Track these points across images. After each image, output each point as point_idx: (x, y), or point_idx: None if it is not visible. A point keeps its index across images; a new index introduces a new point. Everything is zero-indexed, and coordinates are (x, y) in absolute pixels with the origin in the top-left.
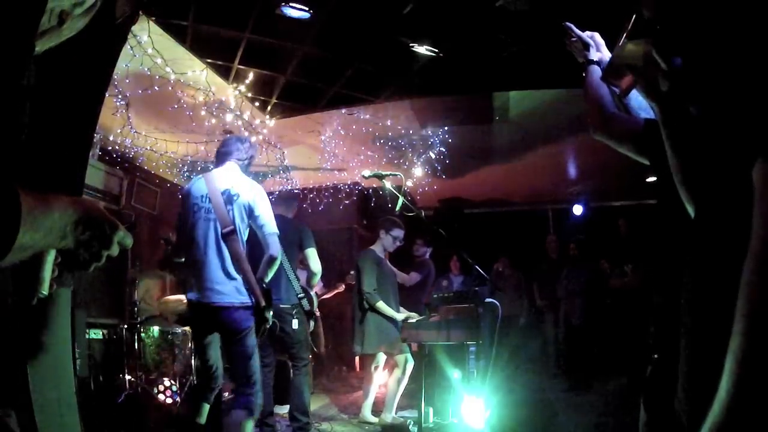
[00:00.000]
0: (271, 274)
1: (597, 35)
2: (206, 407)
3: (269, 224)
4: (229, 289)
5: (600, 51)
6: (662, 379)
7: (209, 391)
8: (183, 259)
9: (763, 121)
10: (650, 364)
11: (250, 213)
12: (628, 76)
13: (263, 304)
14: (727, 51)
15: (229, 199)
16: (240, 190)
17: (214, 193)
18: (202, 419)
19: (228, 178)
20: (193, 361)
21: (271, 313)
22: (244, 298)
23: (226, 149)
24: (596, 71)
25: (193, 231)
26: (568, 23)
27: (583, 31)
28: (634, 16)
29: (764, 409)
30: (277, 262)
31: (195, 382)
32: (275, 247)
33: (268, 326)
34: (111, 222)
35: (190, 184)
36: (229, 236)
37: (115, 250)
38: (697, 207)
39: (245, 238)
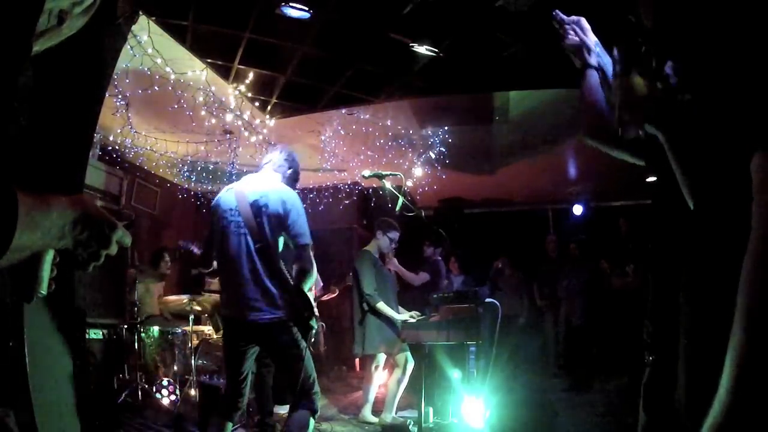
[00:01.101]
0: (307, 285)
1: (583, 20)
2: (230, 427)
3: (302, 234)
4: (267, 305)
5: (586, 35)
6: (661, 379)
7: (235, 409)
8: (209, 270)
9: (759, 115)
10: (648, 365)
11: (281, 222)
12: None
13: (305, 314)
14: (724, 49)
15: (258, 210)
16: (269, 200)
17: (243, 206)
18: None
19: (258, 187)
20: (192, 360)
21: (315, 321)
22: (282, 312)
23: (266, 157)
24: (594, 76)
25: (224, 246)
26: (556, 11)
27: (569, 16)
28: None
29: (764, 408)
30: (312, 274)
31: (195, 383)
32: (307, 259)
33: (314, 332)
34: (109, 221)
35: (219, 195)
36: (262, 251)
37: (113, 250)
38: (697, 205)
39: (281, 248)
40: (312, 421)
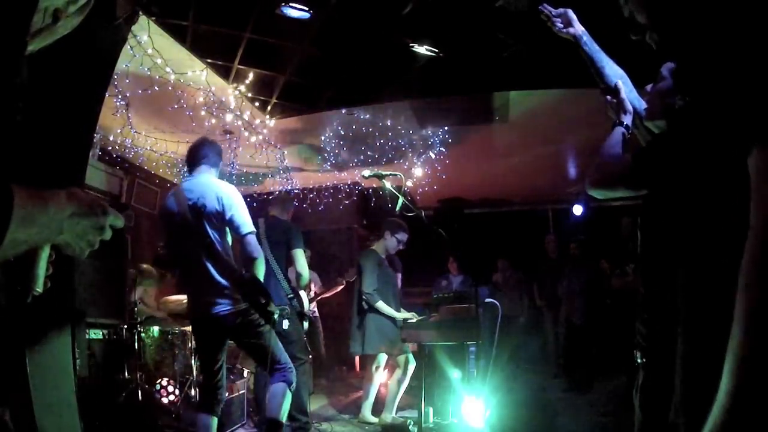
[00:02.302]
0: (260, 273)
1: (569, 11)
2: (215, 421)
3: (243, 225)
4: (222, 298)
5: (573, 26)
6: (656, 380)
7: (217, 403)
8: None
9: (755, 110)
10: (641, 366)
11: (221, 218)
12: None
13: (262, 301)
14: (720, 45)
15: (197, 212)
16: (206, 200)
17: (183, 210)
18: None
19: (196, 188)
20: (192, 361)
21: (274, 306)
22: (240, 303)
23: (196, 155)
24: (620, 133)
25: (175, 251)
26: (543, 4)
27: (556, 8)
28: None
29: (766, 410)
30: (260, 262)
31: (195, 383)
32: (252, 248)
33: (276, 317)
34: (102, 207)
35: (164, 201)
36: (208, 249)
37: (108, 235)
38: (695, 204)
39: (227, 241)
40: (288, 392)
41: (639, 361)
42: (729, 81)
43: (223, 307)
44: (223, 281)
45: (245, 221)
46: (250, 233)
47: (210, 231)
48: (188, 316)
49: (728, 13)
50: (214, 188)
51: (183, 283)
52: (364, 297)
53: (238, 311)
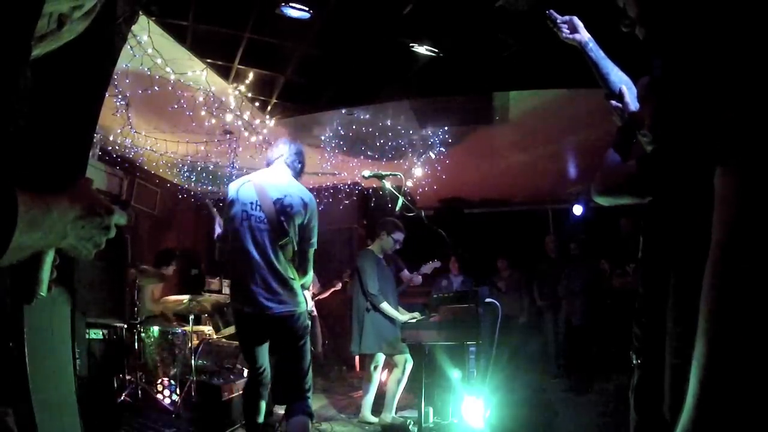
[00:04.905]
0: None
1: (575, 18)
2: (263, 403)
3: (313, 242)
4: (288, 298)
5: (579, 32)
6: (651, 381)
7: (263, 387)
8: (218, 259)
9: (719, 130)
10: (636, 368)
11: (301, 226)
12: None
13: (308, 310)
14: (697, 56)
15: (282, 209)
16: (293, 200)
17: (265, 201)
18: (261, 418)
19: (279, 184)
20: (192, 361)
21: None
22: (299, 306)
23: (276, 150)
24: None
25: (241, 238)
26: (550, 10)
27: (563, 15)
28: None
29: (729, 417)
30: (310, 276)
31: (194, 382)
32: (309, 262)
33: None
34: (105, 207)
35: (235, 188)
36: (283, 247)
37: (112, 234)
38: (684, 212)
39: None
40: (310, 424)
41: (634, 362)
42: (700, 98)
43: (288, 306)
44: (290, 281)
45: (315, 237)
46: (314, 250)
47: (289, 231)
48: (235, 308)
49: (708, 25)
50: (300, 191)
51: (240, 276)
52: (368, 298)
53: (297, 314)
